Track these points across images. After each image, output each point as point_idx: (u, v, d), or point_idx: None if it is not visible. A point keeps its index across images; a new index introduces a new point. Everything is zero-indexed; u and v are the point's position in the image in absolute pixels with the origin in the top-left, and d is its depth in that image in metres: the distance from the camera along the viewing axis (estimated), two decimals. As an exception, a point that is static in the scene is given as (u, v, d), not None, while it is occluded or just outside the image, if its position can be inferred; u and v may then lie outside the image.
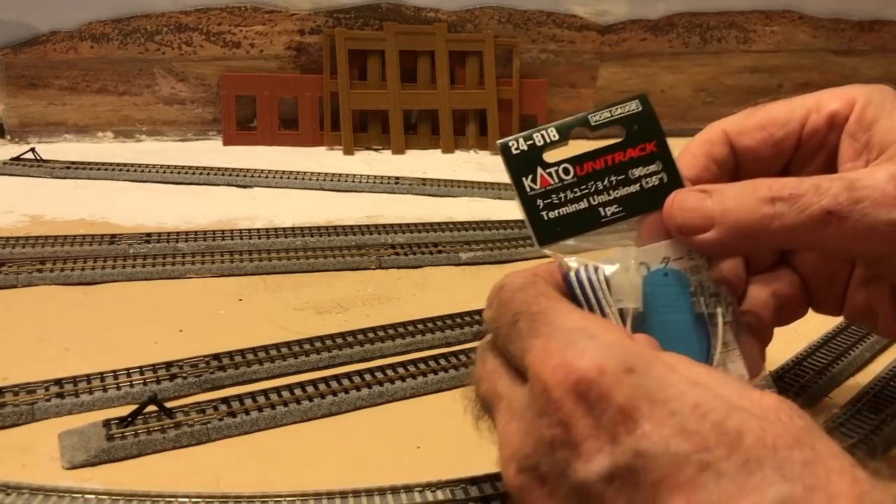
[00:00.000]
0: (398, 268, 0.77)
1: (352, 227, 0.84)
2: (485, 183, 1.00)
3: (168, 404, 0.52)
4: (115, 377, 0.55)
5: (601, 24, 1.21)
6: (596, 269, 0.33)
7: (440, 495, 0.45)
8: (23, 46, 1.06)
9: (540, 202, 0.35)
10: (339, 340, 0.61)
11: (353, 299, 0.70)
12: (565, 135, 0.37)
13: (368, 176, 1.00)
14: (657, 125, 0.36)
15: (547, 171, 0.36)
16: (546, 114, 1.20)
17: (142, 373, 0.56)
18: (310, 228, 0.83)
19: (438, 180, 1.01)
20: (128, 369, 0.56)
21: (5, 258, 0.72)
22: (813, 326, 0.67)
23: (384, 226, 0.85)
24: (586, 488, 0.25)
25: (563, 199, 0.36)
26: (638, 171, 0.35)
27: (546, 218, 0.35)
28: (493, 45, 1.16)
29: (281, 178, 0.99)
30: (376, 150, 1.14)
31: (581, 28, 1.21)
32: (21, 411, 0.51)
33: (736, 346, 0.34)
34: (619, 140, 0.36)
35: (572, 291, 0.33)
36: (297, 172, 1.00)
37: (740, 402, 0.25)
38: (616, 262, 0.33)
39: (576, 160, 0.36)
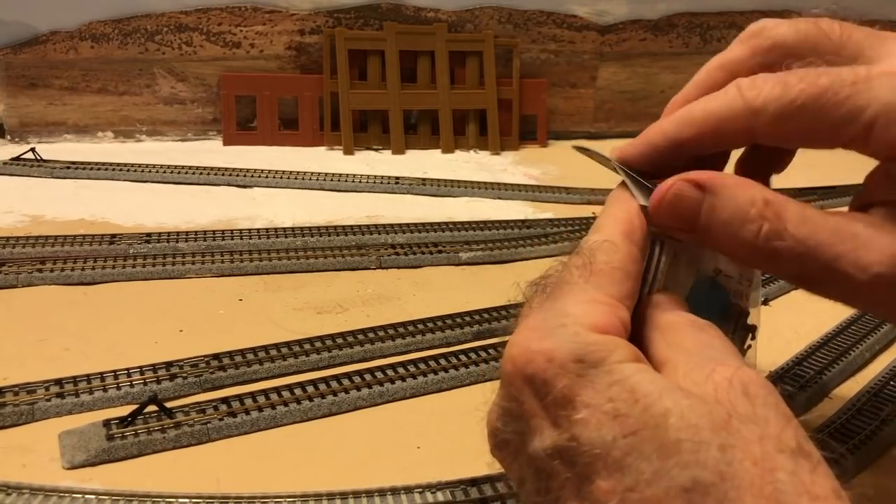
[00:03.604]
0: (398, 268, 0.77)
1: (352, 227, 0.84)
2: (485, 183, 1.01)
3: (168, 404, 0.52)
4: (115, 377, 0.55)
5: (601, 24, 1.21)
6: (670, 250, 0.33)
7: (440, 496, 0.45)
8: (23, 46, 1.06)
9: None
10: (339, 340, 0.61)
11: (353, 299, 0.70)
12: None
13: (368, 176, 1.00)
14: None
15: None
16: (546, 114, 1.20)
17: (142, 373, 0.56)
18: (310, 228, 0.83)
19: (438, 180, 1.01)
20: (128, 369, 0.56)
21: (5, 258, 0.72)
22: (813, 326, 0.67)
23: (384, 226, 0.85)
24: (536, 459, 0.27)
25: None
26: None
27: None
28: (493, 45, 1.16)
29: (281, 178, 0.99)
30: (376, 150, 1.14)
31: (581, 28, 1.21)
32: (21, 411, 0.51)
33: None
34: None
35: (649, 254, 0.33)
36: (297, 172, 1.00)
37: (686, 381, 0.26)
38: (683, 253, 0.33)
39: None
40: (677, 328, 0.29)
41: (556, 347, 0.27)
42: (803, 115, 0.31)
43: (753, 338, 0.34)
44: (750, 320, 0.34)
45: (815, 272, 0.30)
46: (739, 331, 0.33)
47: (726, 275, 0.34)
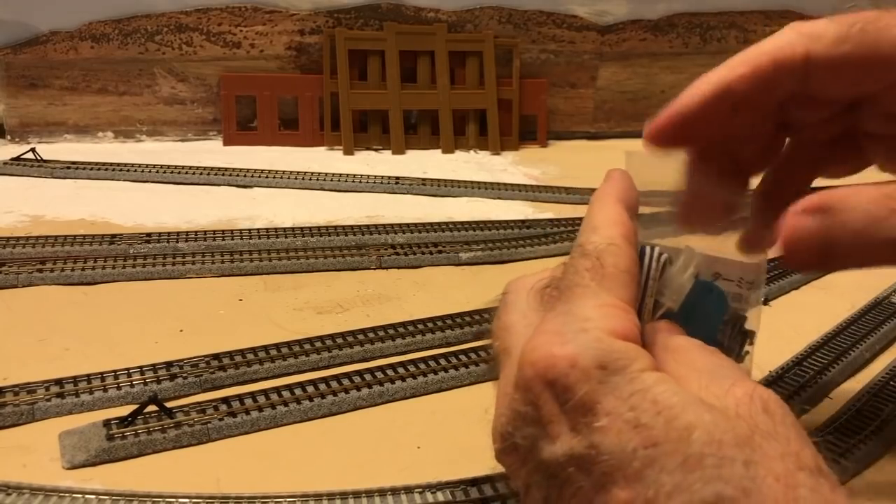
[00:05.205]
0: (398, 268, 0.77)
1: (352, 227, 0.84)
2: (485, 183, 1.01)
3: (168, 404, 0.51)
4: (115, 377, 0.55)
5: (601, 24, 1.21)
6: (660, 255, 0.32)
7: (440, 496, 0.45)
8: (23, 46, 1.06)
9: None
10: (339, 340, 0.61)
11: (353, 299, 0.70)
12: None
13: (368, 176, 1.00)
14: None
15: None
16: (546, 114, 1.20)
17: (142, 373, 0.56)
18: (310, 228, 0.83)
19: (438, 180, 1.01)
20: (128, 369, 0.56)
21: (5, 258, 0.72)
22: (813, 326, 0.67)
23: (384, 226, 0.85)
24: (549, 465, 0.27)
25: None
26: None
27: None
28: (493, 45, 1.16)
29: (281, 178, 0.99)
30: (376, 150, 1.14)
31: (581, 28, 1.21)
32: (21, 411, 0.51)
33: None
34: None
35: (640, 262, 0.32)
36: (297, 172, 1.00)
37: (705, 395, 0.26)
38: (680, 257, 0.33)
39: None
40: (687, 350, 0.29)
41: (579, 353, 0.27)
42: (863, 38, 0.32)
43: (751, 343, 0.33)
44: (748, 325, 0.33)
45: None
46: (737, 335, 0.33)
47: (725, 278, 0.34)
